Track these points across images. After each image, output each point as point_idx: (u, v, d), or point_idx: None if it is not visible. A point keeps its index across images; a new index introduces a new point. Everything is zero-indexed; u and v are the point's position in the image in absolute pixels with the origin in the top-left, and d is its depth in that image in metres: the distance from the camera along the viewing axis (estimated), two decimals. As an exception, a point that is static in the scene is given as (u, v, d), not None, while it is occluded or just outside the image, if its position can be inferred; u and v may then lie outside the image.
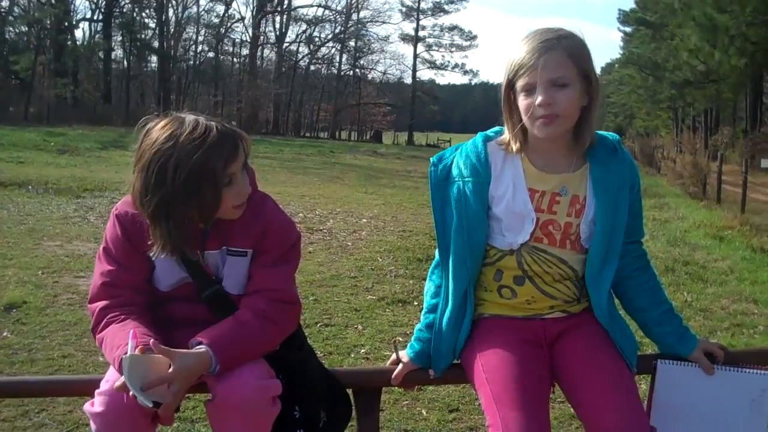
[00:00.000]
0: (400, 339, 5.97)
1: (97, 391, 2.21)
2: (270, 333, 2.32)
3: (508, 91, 2.35)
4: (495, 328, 2.44)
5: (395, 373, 2.55)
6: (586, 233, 2.38)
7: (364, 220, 13.79)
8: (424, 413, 4.69)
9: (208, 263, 2.36)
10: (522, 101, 2.29)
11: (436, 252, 2.56)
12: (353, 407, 2.57)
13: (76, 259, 8.85)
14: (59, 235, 10.49)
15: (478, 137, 2.49)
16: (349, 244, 11.09)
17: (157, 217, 2.20)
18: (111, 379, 2.19)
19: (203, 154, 2.14)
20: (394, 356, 2.60)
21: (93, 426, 2.20)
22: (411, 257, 9.93)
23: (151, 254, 2.28)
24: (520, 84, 2.28)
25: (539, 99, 2.24)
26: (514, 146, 2.38)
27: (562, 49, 2.23)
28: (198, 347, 2.17)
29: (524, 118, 2.31)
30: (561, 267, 2.39)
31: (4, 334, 5.89)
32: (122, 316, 2.28)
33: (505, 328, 2.42)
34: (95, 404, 2.18)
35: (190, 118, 2.23)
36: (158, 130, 2.21)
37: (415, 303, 7.49)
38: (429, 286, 2.61)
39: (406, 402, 4.82)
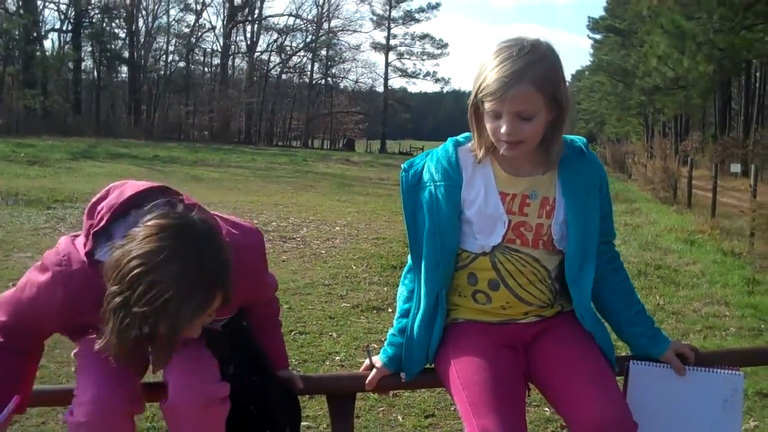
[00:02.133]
0: (374, 345, 5.97)
1: (76, 401, 2.19)
2: None
3: (476, 106, 2.35)
4: (469, 333, 2.44)
5: (369, 378, 2.55)
6: (558, 234, 2.39)
7: (338, 228, 13.78)
8: (400, 419, 4.68)
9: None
10: (489, 122, 2.29)
11: (409, 257, 2.56)
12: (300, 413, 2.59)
13: (47, 270, 8.76)
14: (30, 247, 10.38)
15: (449, 142, 2.49)
16: (323, 252, 11.07)
17: (109, 314, 1.93)
18: (89, 386, 2.18)
19: (170, 304, 1.89)
20: (367, 361, 2.60)
21: None
22: (385, 264, 9.94)
23: (96, 347, 2.00)
24: (487, 106, 2.27)
25: (505, 129, 2.24)
26: (480, 156, 2.39)
27: (528, 82, 2.19)
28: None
29: (491, 136, 2.32)
30: (534, 266, 2.40)
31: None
32: (8, 360, 2.23)
33: (479, 333, 2.42)
34: (75, 414, 2.16)
35: (176, 241, 1.93)
36: (155, 241, 1.92)
37: (390, 310, 7.49)
38: (402, 291, 2.61)
39: (382, 408, 4.81)
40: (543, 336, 2.45)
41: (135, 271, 1.88)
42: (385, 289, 8.49)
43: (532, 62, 2.21)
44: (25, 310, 2.21)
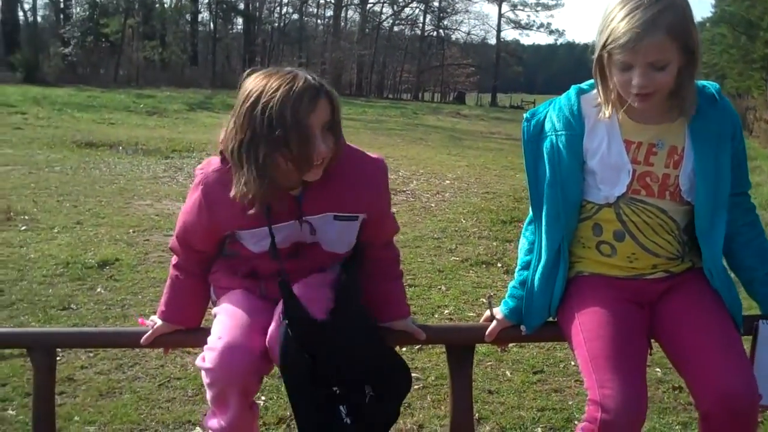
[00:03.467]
0: (492, 293, 5.96)
1: (206, 347, 2.29)
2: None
3: (600, 59, 2.28)
4: (593, 287, 2.40)
5: (489, 329, 2.55)
6: (686, 185, 2.31)
7: (448, 182, 13.73)
8: (508, 374, 4.68)
9: (309, 227, 2.40)
10: (618, 75, 2.23)
11: (530, 208, 2.52)
12: (409, 380, 2.56)
13: (165, 217, 9.06)
14: (149, 195, 10.74)
15: (572, 90, 2.44)
16: (433, 205, 11.07)
17: (240, 159, 2.24)
18: (222, 334, 2.30)
19: (283, 101, 2.17)
20: (487, 313, 2.60)
21: (206, 380, 2.28)
22: (495, 219, 9.85)
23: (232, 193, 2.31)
24: (616, 59, 2.20)
25: (637, 81, 2.17)
26: (607, 112, 2.33)
27: (663, 30, 2.12)
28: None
29: (619, 89, 2.26)
30: (661, 217, 2.33)
31: (98, 290, 6.08)
32: (188, 279, 2.60)
33: (603, 287, 2.38)
34: (206, 360, 2.26)
35: (286, 69, 2.28)
36: (253, 79, 2.28)
37: (499, 265, 7.46)
38: (522, 243, 2.59)
39: (490, 363, 4.81)
40: (671, 293, 2.38)
41: (247, 100, 2.24)
42: (495, 243, 8.43)
43: (663, 9, 2.14)
44: (183, 216, 2.53)
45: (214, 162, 2.44)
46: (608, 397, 2.11)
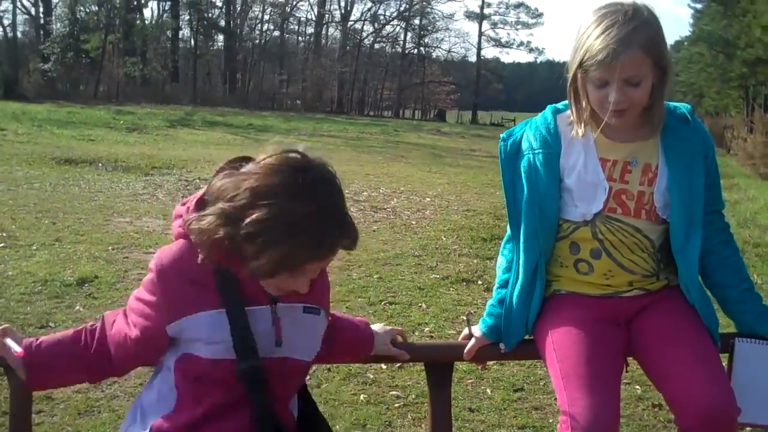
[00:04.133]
0: (473, 310, 5.97)
1: None
2: None
3: (575, 76, 2.30)
4: (570, 305, 2.41)
5: (468, 347, 2.55)
6: (660, 202, 2.33)
7: (428, 199, 13.77)
8: (489, 392, 4.69)
9: (280, 320, 2.03)
10: (594, 92, 2.25)
11: (508, 227, 2.54)
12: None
13: (145, 235, 9.03)
14: (129, 212, 10.69)
15: (548, 110, 2.47)
16: (413, 222, 11.10)
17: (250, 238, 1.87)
18: None
19: (289, 235, 1.85)
20: (466, 331, 2.60)
21: None
22: (475, 237, 9.88)
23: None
24: (592, 75, 2.22)
25: (614, 97, 2.20)
26: (580, 131, 2.36)
27: (638, 46, 2.15)
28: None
29: (595, 106, 2.28)
30: (636, 236, 2.35)
31: (77, 308, 6.05)
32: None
33: (579, 306, 2.39)
34: None
35: (298, 174, 1.89)
36: (265, 170, 1.89)
37: (479, 282, 7.48)
38: (501, 261, 2.60)
39: (471, 381, 4.82)
40: (647, 311, 2.40)
41: (256, 199, 1.85)
42: (475, 261, 8.46)
43: (638, 26, 2.17)
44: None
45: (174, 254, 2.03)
46: (579, 415, 2.13)
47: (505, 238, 2.60)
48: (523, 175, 2.42)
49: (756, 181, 20.33)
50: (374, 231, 10.14)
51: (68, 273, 6.95)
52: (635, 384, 4.69)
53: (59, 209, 10.42)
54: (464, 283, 7.48)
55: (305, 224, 1.85)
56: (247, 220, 1.84)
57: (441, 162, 23.16)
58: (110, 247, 8.22)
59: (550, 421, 4.25)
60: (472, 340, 2.56)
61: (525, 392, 4.71)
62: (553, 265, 2.47)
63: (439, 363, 2.65)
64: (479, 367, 4.31)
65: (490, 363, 4.90)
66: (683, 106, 2.44)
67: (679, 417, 2.20)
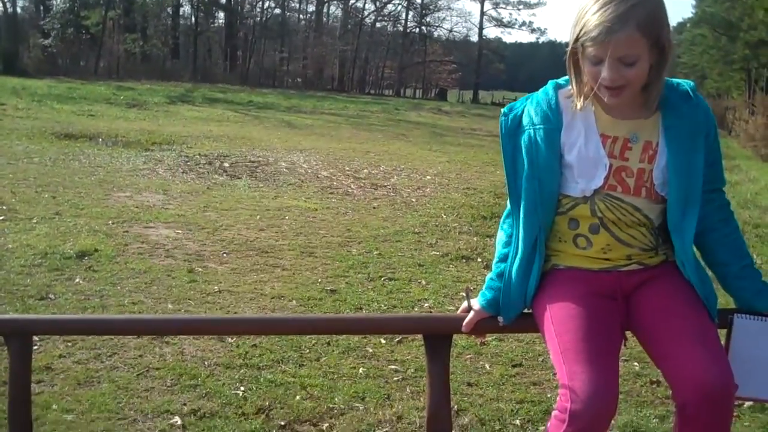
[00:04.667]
0: (472, 287, 5.98)
1: None
2: None
3: (574, 51, 2.29)
4: (568, 280, 2.41)
5: (466, 320, 2.56)
6: (659, 179, 2.33)
7: (428, 177, 13.77)
8: (488, 367, 4.70)
9: None
10: (588, 68, 2.25)
11: (508, 201, 2.53)
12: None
13: (145, 210, 9.02)
14: (129, 187, 10.69)
15: (549, 85, 2.46)
16: (414, 200, 11.10)
17: None
18: None
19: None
20: (465, 304, 2.60)
21: None
22: (475, 214, 9.89)
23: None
24: (587, 51, 2.22)
25: (606, 75, 2.19)
26: (579, 104, 2.35)
27: (633, 25, 2.13)
28: None
29: (591, 81, 2.27)
30: (635, 215, 2.34)
31: (77, 280, 6.06)
32: None
33: (577, 280, 2.39)
34: None
35: None
36: None
37: (479, 260, 7.49)
38: (500, 236, 2.60)
39: (470, 356, 4.83)
40: (646, 286, 2.40)
41: None
42: (475, 239, 8.47)
43: (635, 5, 2.15)
44: None
45: None
46: (578, 389, 2.13)
47: (504, 213, 2.60)
48: (523, 150, 2.42)
49: (757, 162, 20.32)
50: (374, 208, 10.15)
51: (68, 246, 6.96)
52: (633, 361, 4.71)
53: (59, 183, 10.43)
54: (464, 260, 7.49)
55: None
56: None
57: (442, 141, 23.12)
58: (110, 221, 8.22)
59: (548, 395, 4.26)
60: (471, 313, 2.56)
61: (523, 367, 4.72)
62: (552, 240, 2.47)
63: (437, 335, 2.66)
64: (478, 341, 4.34)
65: (489, 338, 4.93)
66: (686, 83, 2.42)
67: (676, 392, 2.21)
